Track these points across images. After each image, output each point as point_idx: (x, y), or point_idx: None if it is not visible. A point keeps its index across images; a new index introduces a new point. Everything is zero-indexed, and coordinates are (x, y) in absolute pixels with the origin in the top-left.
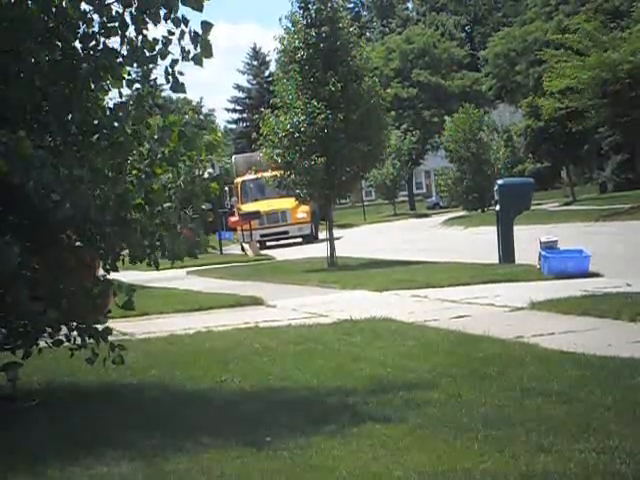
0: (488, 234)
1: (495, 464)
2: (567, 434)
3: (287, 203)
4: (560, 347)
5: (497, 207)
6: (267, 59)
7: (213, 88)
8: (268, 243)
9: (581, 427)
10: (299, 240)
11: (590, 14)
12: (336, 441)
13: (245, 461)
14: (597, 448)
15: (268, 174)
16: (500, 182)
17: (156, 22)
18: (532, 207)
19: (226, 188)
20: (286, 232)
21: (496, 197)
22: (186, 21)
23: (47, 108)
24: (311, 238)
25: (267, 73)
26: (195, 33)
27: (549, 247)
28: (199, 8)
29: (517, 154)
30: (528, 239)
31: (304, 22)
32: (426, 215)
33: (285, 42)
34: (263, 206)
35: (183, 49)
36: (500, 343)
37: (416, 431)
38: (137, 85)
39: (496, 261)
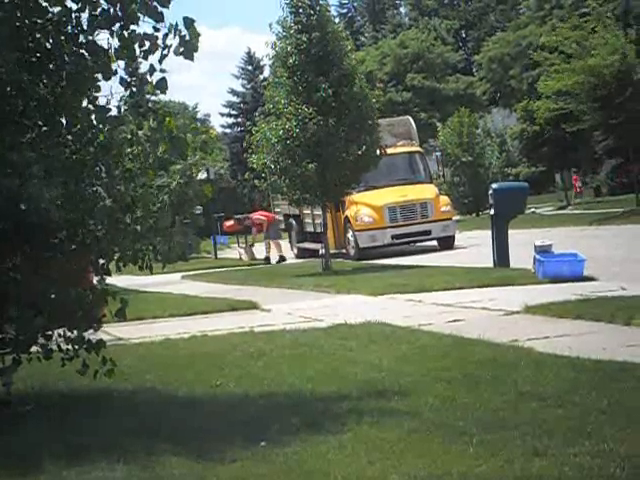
0: (483, 238)
1: (490, 468)
2: (562, 438)
3: (427, 191)
4: (555, 351)
5: (492, 211)
6: (261, 63)
7: (201, 93)
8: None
9: (576, 431)
10: (433, 243)
11: (576, 22)
12: (331, 445)
13: (240, 466)
14: (592, 452)
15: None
16: (495, 186)
17: (141, 15)
18: (526, 211)
19: None
20: (427, 232)
21: (491, 201)
22: (161, 16)
23: (36, 110)
24: (452, 241)
25: (261, 77)
26: (177, 27)
27: (544, 251)
28: (164, 4)
29: (511, 158)
30: (523, 243)
31: (295, 27)
32: None
33: (277, 48)
34: (393, 195)
35: (167, 46)
36: (495, 347)
37: (411, 435)
38: (132, 89)
39: (491, 265)
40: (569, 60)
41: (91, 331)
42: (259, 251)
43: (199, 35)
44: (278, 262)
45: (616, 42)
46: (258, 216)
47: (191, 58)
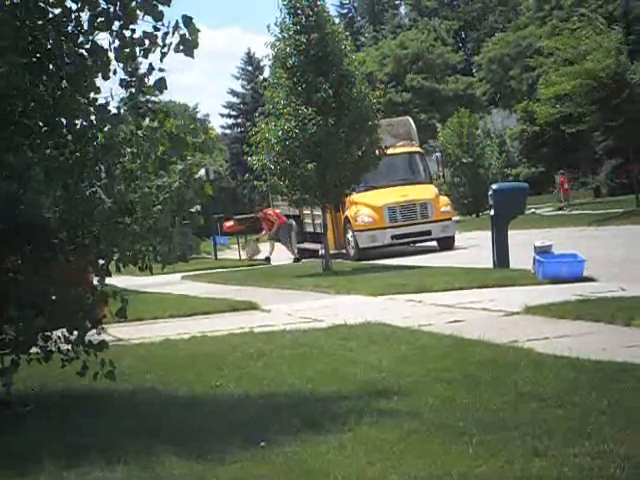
0: (483, 239)
1: (490, 468)
2: (562, 438)
3: (427, 191)
4: (555, 351)
5: (492, 212)
6: (261, 64)
7: (201, 93)
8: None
9: (576, 431)
10: (433, 243)
11: (571, 27)
12: (331, 446)
13: (240, 466)
14: (592, 452)
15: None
16: (494, 187)
17: (142, 14)
18: (526, 212)
19: None
20: (427, 232)
21: (490, 202)
22: (161, 14)
23: (36, 111)
24: (452, 242)
25: (261, 78)
26: (177, 25)
27: (543, 252)
28: (165, 2)
29: (511, 159)
30: (522, 244)
31: (294, 28)
32: None
33: (277, 49)
34: (393, 195)
35: (165, 45)
36: (495, 347)
37: (411, 435)
38: (132, 89)
39: (491, 266)
40: (565, 64)
41: (93, 332)
42: (262, 251)
43: (198, 31)
44: (295, 261)
45: (609, 45)
46: (271, 212)
47: (191, 55)
